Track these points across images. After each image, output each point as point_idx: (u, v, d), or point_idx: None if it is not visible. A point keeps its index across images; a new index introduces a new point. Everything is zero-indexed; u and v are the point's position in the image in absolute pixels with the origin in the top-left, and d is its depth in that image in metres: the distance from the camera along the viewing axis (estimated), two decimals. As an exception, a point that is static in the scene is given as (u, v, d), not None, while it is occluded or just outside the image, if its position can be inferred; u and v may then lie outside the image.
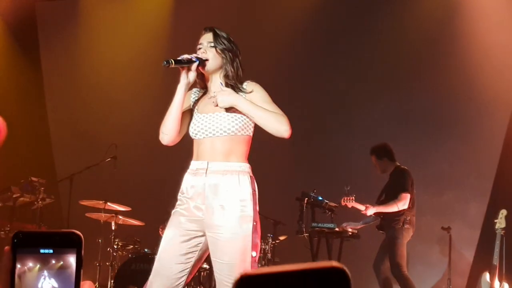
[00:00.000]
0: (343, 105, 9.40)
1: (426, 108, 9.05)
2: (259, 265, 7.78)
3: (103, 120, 9.55)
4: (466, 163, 8.78)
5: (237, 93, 3.61)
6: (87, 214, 7.75)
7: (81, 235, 1.16)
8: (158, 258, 3.57)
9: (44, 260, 1.13)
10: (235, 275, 3.39)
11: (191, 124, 3.64)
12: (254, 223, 3.50)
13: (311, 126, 9.38)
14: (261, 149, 9.01)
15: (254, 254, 3.48)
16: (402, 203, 7.03)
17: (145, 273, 3.63)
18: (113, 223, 7.64)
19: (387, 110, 9.12)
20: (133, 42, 9.94)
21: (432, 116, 9.04)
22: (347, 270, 0.85)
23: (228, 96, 3.53)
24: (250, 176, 3.56)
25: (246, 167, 3.57)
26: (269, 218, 8.02)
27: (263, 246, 7.85)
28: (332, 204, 7.21)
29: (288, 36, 9.53)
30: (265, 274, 0.85)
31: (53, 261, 1.14)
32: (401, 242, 7.02)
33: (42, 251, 1.13)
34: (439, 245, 8.63)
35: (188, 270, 3.54)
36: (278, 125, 3.54)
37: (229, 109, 3.56)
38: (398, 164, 7.44)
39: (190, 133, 3.65)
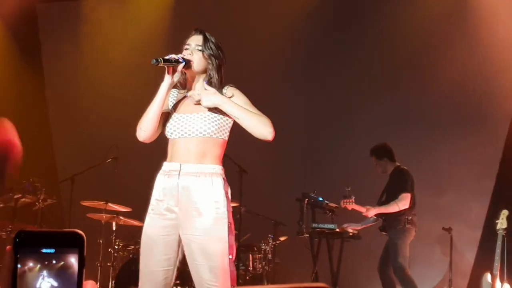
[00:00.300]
0: (343, 105, 9.39)
1: (426, 108, 9.05)
2: (260, 266, 7.81)
3: (105, 120, 9.54)
4: (467, 163, 8.78)
5: None
6: (88, 215, 7.76)
7: (83, 234, 1.18)
8: (141, 266, 3.59)
9: (45, 260, 1.13)
10: (213, 276, 3.41)
11: (168, 124, 3.65)
12: (229, 224, 3.52)
13: (311, 127, 9.39)
14: (260, 150, 9.05)
15: (230, 256, 3.50)
16: (403, 203, 7.03)
17: (146, 274, 3.65)
18: (114, 224, 7.65)
19: (387, 110, 9.11)
20: (134, 43, 9.95)
21: (433, 116, 9.05)
22: None
23: (213, 96, 3.55)
24: (223, 178, 3.59)
25: (219, 169, 3.59)
26: (269, 218, 8.03)
27: (263, 247, 7.86)
28: (333, 205, 7.21)
29: (287, 35, 9.54)
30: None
31: (54, 261, 1.14)
32: (403, 243, 7.01)
33: (44, 250, 1.12)
34: (440, 245, 8.62)
35: (171, 271, 3.56)
36: (262, 127, 3.57)
37: (209, 111, 3.59)
38: (398, 164, 7.45)
39: (166, 133, 3.65)
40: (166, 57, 3.53)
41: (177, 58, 3.56)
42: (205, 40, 3.66)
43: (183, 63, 3.57)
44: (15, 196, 7.48)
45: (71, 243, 1.15)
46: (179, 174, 3.52)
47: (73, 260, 1.18)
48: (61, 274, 1.16)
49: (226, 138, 3.68)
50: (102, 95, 9.80)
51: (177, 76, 3.60)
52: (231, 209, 3.60)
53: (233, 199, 7.22)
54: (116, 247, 7.66)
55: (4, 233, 7.47)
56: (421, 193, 7.78)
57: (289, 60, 9.61)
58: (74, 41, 10.23)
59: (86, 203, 7.64)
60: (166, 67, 3.56)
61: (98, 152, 7.98)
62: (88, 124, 9.89)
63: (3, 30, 9.86)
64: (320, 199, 7.22)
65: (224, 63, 3.73)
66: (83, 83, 10.08)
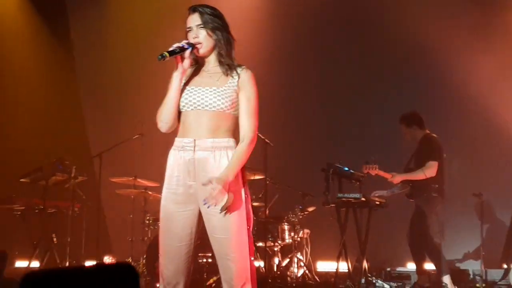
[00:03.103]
0: (370, 73, 9.30)
1: (456, 75, 8.91)
2: (289, 236, 7.84)
3: (133, 96, 9.60)
4: (500, 128, 8.62)
5: (231, 73, 3.60)
6: (117, 191, 7.88)
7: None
8: (161, 242, 3.61)
9: None
10: (234, 248, 3.44)
11: (181, 98, 3.59)
12: (246, 196, 3.54)
13: (338, 96, 9.33)
14: (285, 122, 9.01)
15: (248, 227, 3.53)
16: (430, 171, 6.94)
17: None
18: (143, 199, 7.76)
19: (416, 79, 8.99)
20: (164, 18, 9.95)
21: (464, 82, 8.90)
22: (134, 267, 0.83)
23: (222, 195, 3.39)
24: None
25: (233, 142, 3.58)
26: (297, 190, 8.04)
27: (292, 218, 7.88)
28: (359, 174, 7.15)
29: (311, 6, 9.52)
30: (50, 271, 0.80)
31: None
32: (429, 211, 6.95)
33: None
34: (474, 212, 8.53)
35: (192, 245, 3.58)
36: (248, 155, 3.55)
37: (220, 86, 3.56)
38: (428, 131, 7.34)
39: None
40: (171, 49, 3.47)
41: (181, 45, 3.50)
42: (202, 15, 3.59)
43: (189, 48, 3.51)
44: (47, 174, 7.65)
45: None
46: (194, 149, 3.52)
47: None
48: None
49: (238, 114, 3.64)
50: (130, 71, 9.86)
51: (187, 63, 3.55)
52: (247, 181, 3.61)
53: (258, 171, 7.28)
54: (147, 221, 7.77)
55: (37, 211, 7.66)
56: (454, 159, 7.71)
57: (314, 29, 9.56)
58: (103, 16, 10.29)
59: (115, 180, 7.76)
60: (174, 57, 3.50)
61: (130, 128, 8.07)
62: (118, 100, 9.98)
63: (30, 7, 9.97)
64: (346, 168, 7.17)
65: (228, 28, 3.67)
66: (113, 60, 10.15)
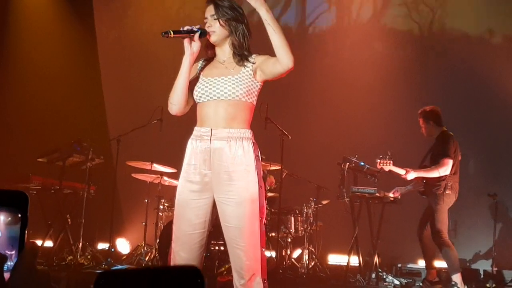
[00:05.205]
0: (389, 69, 9.28)
1: (478, 74, 8.87)
2: (302, 228, 7.86)
3: (154, 81, 9.66)
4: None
5: (243, 62, 3.64)
6: (133, 175, 7.93)
7: (27, 195, 1.23)
8: (175, 229, 3.67)
9: None
10: (245, 238, 3.48)
11: (196, 88, 3.65)
12: (260, 187, 3.56)
13: (356, 90, 9.33)
14: (303, 113, 9.00)
15: (261, 218, 3.56)
16: (444, 169, 6.90)
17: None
18: (159, 184, 7.80)
19: (435, 76, 8.97)
20: (184, 6, 9.99)
21: (485, 81, 8.86)
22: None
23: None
24: (253, 143, 3.62)
25: (249, 133, 3.62)
26: (312, 182, 8.05)
27: (305, 210, 7.91)
28: (375, 169, 7.16)
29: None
30: (123, 272, 0.91)
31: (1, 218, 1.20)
32: (441, 208, 6.91)
33: None
34: (489, 211, 8.51)
35: (205, 234, 3.64)
36: (288, 51, 3.48)
37: (235, 74, 3.61)
38: (445, 129, 7.30)
39: (195, 97, 3.65)
40: (179, 29, 3.55)
41: (190, 28, 3.57)
42: (217, 7, 3.65)
43: (198, 32, 3.58)
44: (63, 155, 7.72)
45: (16, 202, 1.22)
46: (210, 139, 3.57)
47: (16, 218, 1.26)
48: (6, 230, 1.23)
49: (255, 103, 3.70)
50: (151, 56, 9.91)
51: (196, 46, 3.61)
52: (262, 173, 3.65)
53: (275, 162, 7.30)
54: (161, 207, 7.81)
55: (53, 191, 7.73)
56: (471, 158, 7.69)
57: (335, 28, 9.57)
58: (125, 3, 10.35)
59: (132, 163, 7.80)
60: (182, 38, 3.57)
61: (148, 113, 8.11)
62: (138, 85, 10.04)
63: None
64: (362, 163, 7.20)
65: (243, 20, 3.70)
66: (134, 44, 10.21)
